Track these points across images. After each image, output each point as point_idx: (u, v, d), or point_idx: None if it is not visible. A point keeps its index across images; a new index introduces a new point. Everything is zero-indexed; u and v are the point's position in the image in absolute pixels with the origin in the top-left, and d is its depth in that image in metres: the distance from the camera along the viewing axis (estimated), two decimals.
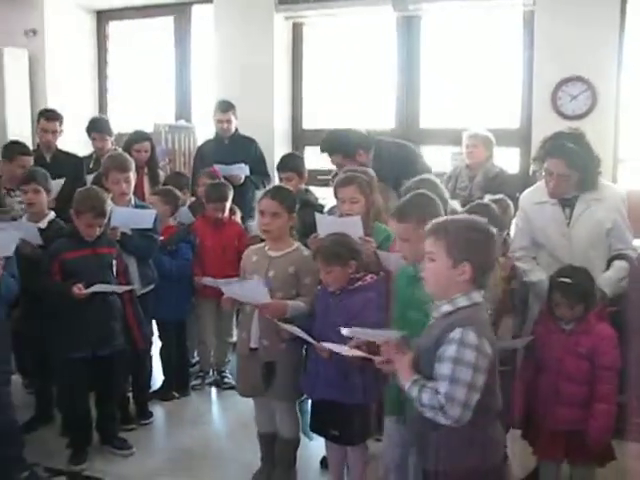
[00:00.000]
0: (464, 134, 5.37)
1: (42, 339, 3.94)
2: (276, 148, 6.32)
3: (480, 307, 2.29)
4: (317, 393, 3.29)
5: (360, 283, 3.19)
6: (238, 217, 5.14)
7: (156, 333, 4.86)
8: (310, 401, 3.51)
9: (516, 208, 4.04)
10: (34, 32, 6.93)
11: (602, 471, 3.32)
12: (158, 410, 4.65)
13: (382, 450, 3.13)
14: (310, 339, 3.14)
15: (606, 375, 3.11)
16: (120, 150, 5.10)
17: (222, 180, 5.15)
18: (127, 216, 4.23)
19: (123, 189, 4.35)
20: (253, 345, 3.47)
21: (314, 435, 3.55)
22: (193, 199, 5.34)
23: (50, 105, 6.18)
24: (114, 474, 3.81)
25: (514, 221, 4.05)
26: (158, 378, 4.94)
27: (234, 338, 4.88)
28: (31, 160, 4.77)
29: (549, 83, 5.40)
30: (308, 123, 6.74)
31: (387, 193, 3.87)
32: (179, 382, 4.92)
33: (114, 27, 7.65)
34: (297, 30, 6.67)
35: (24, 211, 4.26)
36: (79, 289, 3.66)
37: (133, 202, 4.45)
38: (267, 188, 3.97)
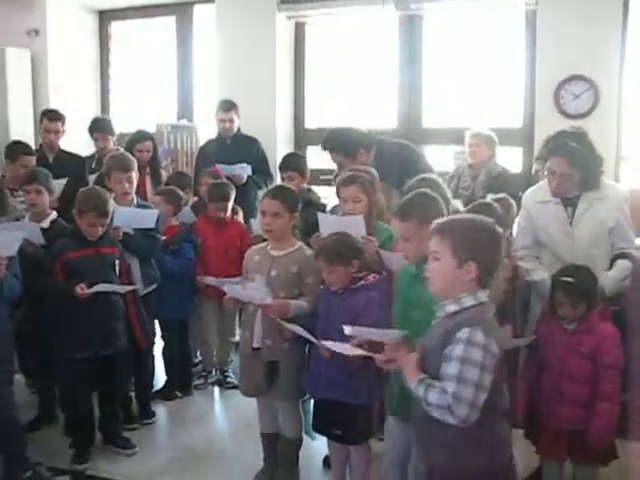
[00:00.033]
0: (467, 133, 5.36)
1: (45, 339, 3.95)
2: (278, 147, 6.31)
3: (486, 306, 2.28)
4: (320, 392, 3.29)
5: (362, 282, 3.19)
6: (240, 217, 5.15)
7: (159, 333, 4.86)
8: (312, 400, 3.51)
9: (519, 207, 4.04)
10: (36, 32, 6.93)
11: (605, 470, 3.32)
12: (161, 410, 4.66)
13: (383, 450, 3.13)
14: (312, 338, 3.14)
15: (609, 374, 3.11)
16: (122, 150, 5.10)
17: (224, 180, 5.15)
18: (129, 216, 4.23)
19: (125, 189, 4.36)
20: (256, 345, 3.47)
21: (317, 435, 3.54)
22: (195, 199, 5.34)
23: (52, 105, 6.18)
24: (117, 473, 3.82)
25: (517, 220, 4.05)
26: (161, 378, 4.95)
27: (237, 338, 4.88)
28: (34, 160, 4.77)
29: (551, 82, 5.39)
30: (310, 122, 6.73)
31: (390, 192, 3.87)
32: (182, 382, 4.93)
33: (116, 27, 7.64)
34: (299, 29, 6.66)
35: (26, 211, 4.27)
36: (82, 289, 3.67)
37: (135, 202, 4.46)
38: (269, 188, 3.97)
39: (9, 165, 4.79)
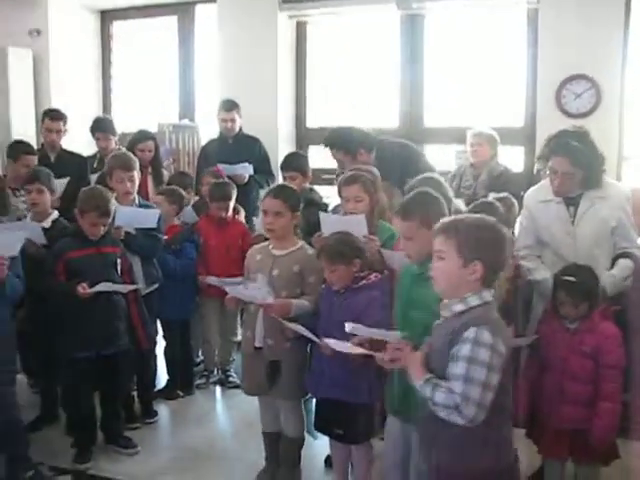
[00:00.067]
0: (468, 133, 5.36)
1: (47, 339, 3.95)
2: (280, 147, 6.31)
3: (491, 306, 2.28)
4: (321, 392, 3.29)
5: (364, 282, 3.19)
6: (242, 216, 5.14)
7: (160, 332, 4.87)
8: (314, 400, 3.51)
9: (520, 207, 4.03)
10: (38, 32, 6.93)
11: (607, 470, 3.31)
12: (163, 409, 4.66)
13: (383, 449, 3.13)
14: (314, 337, 3.14)
15: (610, 374, 3.11)
16: (124, 149, 5.11)
17: (226, 179, 5.15)
18: (131, 215, 4.24)
19: (127, 188, 4.36)
20: (258, 344, 3.47)
21: (318, 434, 3.54)
22: (197, 198, 5.34)
23: (54, 105, 6.17)
24: (119, 473, 3.82)
25: (518, 220, 4.05)
26: (163, 377, 4.95)
27: (238, 337, 4.89)
28: (35, 159, 4.77)
29: (553, 81, 5.39)
30: (312, 122, 6.73)
31: (392, 191, 3.87)
32: (184, 381, 4.93)
33: (118, 27, 7.65)
34: (301, 29, 6.66)
35: (28, 211, 4.27)
36: (83, 288, 3.67)
37: (137, 201, 4.46)
38: (270, 187, 3.97)
39: (11, 164, 4.79)
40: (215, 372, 5.16)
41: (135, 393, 4.52)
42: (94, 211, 3.78)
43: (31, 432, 3.96)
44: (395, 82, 6.33)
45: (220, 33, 6.63)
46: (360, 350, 2.74)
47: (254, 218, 4.90)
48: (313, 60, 6.72)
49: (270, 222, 3.45)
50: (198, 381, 5.06)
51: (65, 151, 5.38)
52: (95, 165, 5.47)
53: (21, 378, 4.41)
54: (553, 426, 3.22)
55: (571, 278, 3.20)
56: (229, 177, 5.26)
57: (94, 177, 5.06)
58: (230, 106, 5.78)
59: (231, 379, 5.04)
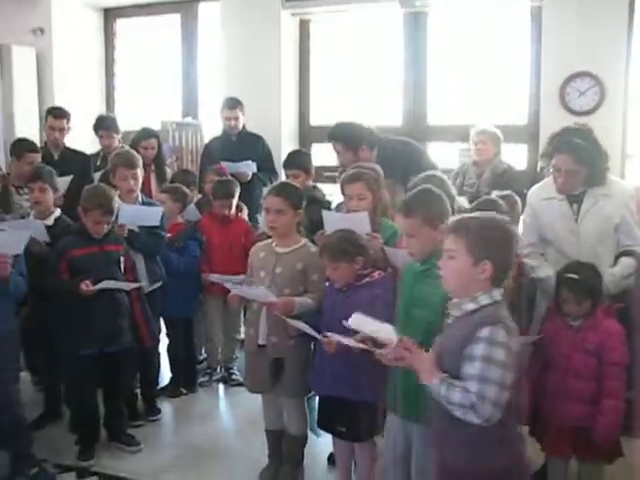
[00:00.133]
0: (472, 131, 5.35)
1: (50, 337, 3.95)
2: (283, 145, 6.31)
3: (501, 305, 2.28)
4: (324, 389, 3.30)
5: (367, 279, 3.18)
6: (245, 214, 5.15)
7: (164, 330, 4.87)
8: (317, 398, 3.51)
9: (524, 204, 4.03)
10: (41, 30, 6.94)
11: (610, 468, 3.31)
12: (166, 407, 4.67)
13: (383, 446, 3.12)
14: (317, 335, 3.14)
15: (614, 371, 3.10)
16: (127, 147, 5.11)
17: (229, 177, 5.15)
18: (134, 213, 4.24)
19: (131, 186, 4.36)
20: (261, 342, 3.47)
21: (321, 432, 3.54)
22: (200, 196, 5.34)
23: (58, 103, 6.18)
24: (122, 470, 3.83)
25: (522, 217, 4.04)
26: (166, 375, 4.96)
27: (241, 335, 4.89)
28: (39, 157, 4.77)
29: (557, 79, 5.38)
30: (315, 120, 6.73)
31: (395, 189, 3.86)
32: (187, 379, 4.94)
33: (121, 25, 7.65)
34: (304, 27, 6.66)
35: (31, 209, 4.27)
36: (87, 285, 3.67)
37: (140, 199, 4.46)
38: (272, 185, 3.97)
39: (14, 162, 4.80)
40: (218, 370, 5.16)
41: (138, 391, 4.53)
42: (97, 209, 3.78)
43: (35, 430, 3.98)
44: (398, 80, 6.32)
45: (223, 31, 6.62)
46: (362, 346, 2.74)
47: (258, 216, 4.90)
48: (316, 58, 6.71)
49: (272, 220, 3.45)
50: (201, 379, 5.06)
51: (68, 149, 5.39)
52: (98, 163, 5.48)
53: (25, 376, 4.41)
54: (556, 424, 3.22)
55: (574, 276, 3.20)
56: (232, 175, 5.26)
57: (97, 175, 5.08)
58: (233, 104, 5.78)
59: (234, 377, 5.05)
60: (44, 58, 6.96)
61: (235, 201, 4.92)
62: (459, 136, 5.76)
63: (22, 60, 6.76)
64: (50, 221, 4.11)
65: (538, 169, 4.73)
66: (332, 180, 5.04)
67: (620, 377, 3.11)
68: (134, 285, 3.97)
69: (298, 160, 4.76)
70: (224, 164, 5.37)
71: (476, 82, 6.10)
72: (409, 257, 2.91)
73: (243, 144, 5.76)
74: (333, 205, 4.36)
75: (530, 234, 3.77)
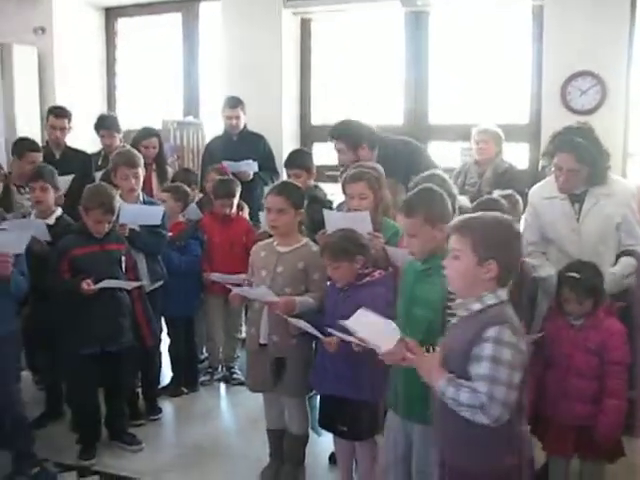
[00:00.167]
0: (474, 130, 5.35)
1: (52, 336, 3.95)
2: (284, 144, 6.31)
3: (507, 305, 2.28)
4: (325, 388, 3.30)
5: (368, 279, 3.18)
6: (246, 213, 5.15)
7: (165, 329, 4.87)
8: (318, 397, 3.51)
9: (525, 203, 4.02)
10: (43, 30, 6.94)
11: (612, 467, 3.31)
12: (167, 406, 4.67)
13: (383, 445, 3.12)
14: (318, 334, 3.14)
15: (616, 370, 3.10)
16: (128, 146, 5.11)
17: (230, 176, 5.15)
18: (135, 213, 4.24)
19: (132, 185, 4.36)
20: (262, 341, 3.47)
21: (323, 431, 3.54)
22: (201, 195, 5.34)
23: (59, 102, 6.18)
24: (123, 469, 3.83)
25: (523, 217, 4.04)
26: (167, 374, 4.96)
27: (243, 334, 4.89)
28: (40, 157, 4.77)
29: (558, 78, 5.37)
30: (316, 119, 6.72)
31: (396, 188, 3.86)
32: (188, 378, 4.94)
33: (122, 24, 7.65)
34: (305, 26, 6.65)
35: (33, 208, 4.28)
36: (88, 285, 3.67)
37: (141, 198, 4.46)
38: (274, 184, 3.96)
39: (16, 162, 4.79)
40: (219, 369, 5.16)
41: (139, 390, 4.53)
42: (98, 208, 3.78)
43: (36, 429, 3.98)
44: (400, 79, 6.31)
45: (224, 30, 6.62)
46: (362, 344, 2.73)
47: (260, 214, 4.89)
48: (317, 57, 6.71)
49: (273, 219, 3.45)
50: (202, 378, 5.06)
51: (70, 148, 5.39)
52: (99, 162, 5.48)
53: (26, 375, 4.42)
54: (558, 423, 3.21)
55: (575, 275, 3.20)
56: (233, 174, 5.26)
57: (98, 174, 5.07)
58: (234, 103, 5.78)
59: (235, 376, 5.05)
60: (45, 57, 6.96)
61: (236, 200, 4.92)
62: (460, 135, 5.76)
63: (23, 59, 6.75)
64: (51, 220, 4.11)
65: (539, 168, 4.72)
66: (333, 179, 5.04)
67: (622, 376, 3.11)
68: (135, 284, 3.97)
69: (299, 159, 4.75)
70: (225, 163, 5.37)
71: (477, 81, 6.10)
72: (410, 257, 2.91)
73: (244, 143, 5.76)
74: (334, 204, 4.35)
75: (531, 233, 3.76)
